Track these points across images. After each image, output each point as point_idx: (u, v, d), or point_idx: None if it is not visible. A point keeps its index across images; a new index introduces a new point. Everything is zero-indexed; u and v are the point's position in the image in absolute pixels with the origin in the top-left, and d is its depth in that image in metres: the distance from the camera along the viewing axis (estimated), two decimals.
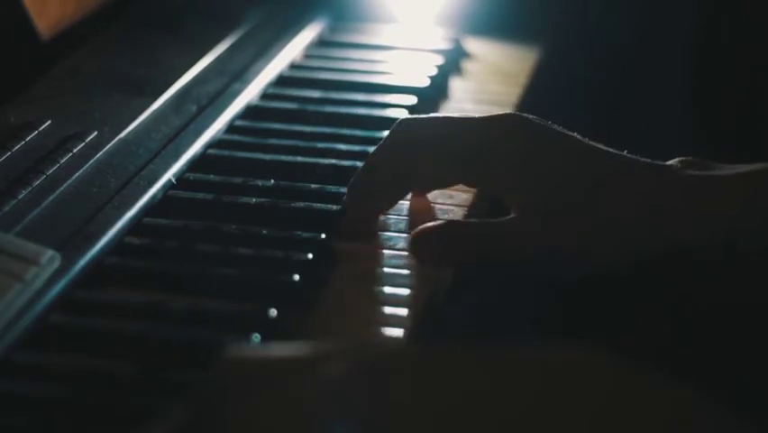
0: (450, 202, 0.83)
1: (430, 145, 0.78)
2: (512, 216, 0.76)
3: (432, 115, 0.83)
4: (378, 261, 0.76)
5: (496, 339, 0.53)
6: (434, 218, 0.81)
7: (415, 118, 0.81)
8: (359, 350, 0.53)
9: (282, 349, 0.53)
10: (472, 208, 0.84)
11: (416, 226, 0.78)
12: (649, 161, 0.76)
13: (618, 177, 0.75)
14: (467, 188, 0.84)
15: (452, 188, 0.84)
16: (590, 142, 0.77)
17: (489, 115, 0.78)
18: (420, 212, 0.81)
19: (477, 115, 0.79)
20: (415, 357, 0.52)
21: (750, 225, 0.74)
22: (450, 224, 0.78)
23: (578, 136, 0.77)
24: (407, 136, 0.79)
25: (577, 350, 0.51)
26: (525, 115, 0.78)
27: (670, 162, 0.77)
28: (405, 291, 0.73)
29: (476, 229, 0.77)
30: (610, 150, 0.77)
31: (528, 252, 0.75)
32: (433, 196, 0.84)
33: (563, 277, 0.79)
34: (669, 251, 0.75)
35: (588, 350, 0.51)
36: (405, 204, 0.82)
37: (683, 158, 0.77)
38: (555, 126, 0.77)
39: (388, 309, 0.71)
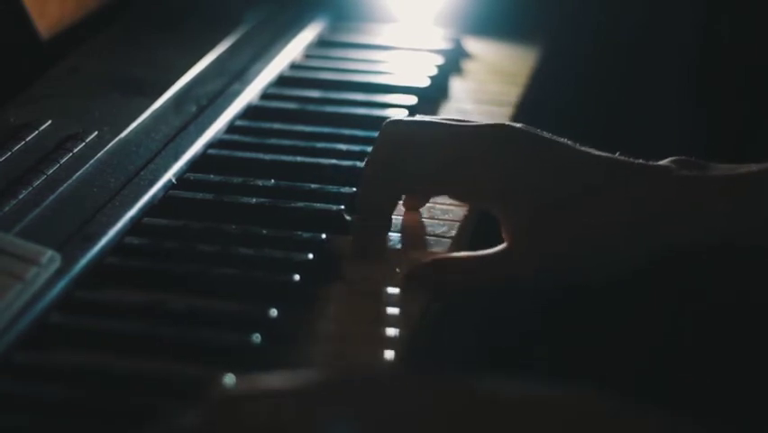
0: (450, 203, 0.83)
1: (417, 149, 0.77)
2: (504, 245, 0.75)
3: (419, 118, 0.82)
4: (376, 269, 0.77)
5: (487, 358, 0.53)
6: (425, 234, 0.80)
7: (401, 120, 0.80)
8: (345, 382, 0.53)
9: (269, 382, 0.53)
10: (471, 210, 0.83)
11: (409, 243, 0.78)
12: (642, 162, 0.75)
13: (611, 187, 0.74)
14: None
15: None
16: (581, 148, 0.76)
17: (478, 123, 0.78)
18: (412, 228, 0.81)
19: (467, 121, 0.78)
20: (401, 386, 0.53)
21: (747, 227, 0.73)
22: (441, 262, 0.76)
23: (568, 143, 0.76)
24: (395, 139, 0.78)
25: (550, 391, 0.51)
26: (514, 125, 0.77)
27: (663, 162, 0.75)
28: (399, 309, 0.73)
29: (469, 266, 0.75)
30: (601, 154, 0.75)
31: (524, 278, 0.75)
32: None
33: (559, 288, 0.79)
34: (665, 255, 0.74)
35: (561, 391, 0.51)
36: (397, 219, 0.81)
37: (677, 157, 0.75)
38: (544, 134, 0.76)
39: (382, 327, 0.71)
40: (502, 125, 0.77)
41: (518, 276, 0.75)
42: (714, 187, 0.73)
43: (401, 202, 0.82)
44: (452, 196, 0.80)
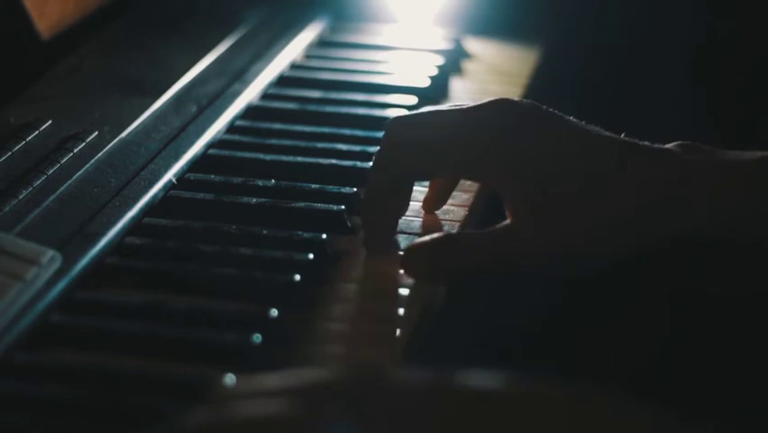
0: (450, 202, 0.83)
1: (423, 142, 0.77)
2: (506, 222, 0.74)
3: (421, 110, 0.81)
4: (376, 269, 0.77)
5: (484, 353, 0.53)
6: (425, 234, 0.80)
7: (403, 118, 0.80)
8: (345, 381, 0.53)
9: (270, 382, 0.53)
10: (473, 208, 0.84)
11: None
12: (647, 144, 0.75)
13: (617, 168, 0.73)
14: (467, 188, 0.84)
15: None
16: (587, 129, 0.75)
17: (481, 104, 0.77)
18: (431, 230, 0.81)
19: (467, 105, 0.78)
20: (400, 385, 0.53)
21: (754, 212, 0.73)
22: (440, 239, 0.76)
23: (575, 124, 0.75)
24: (399, 139, 0.78)
25: (548, 386, 0.51)
26: (520, 103, 0.76)
27: (669, 146, 0.75)
28: (399, 309, 0.73)
29: (468, 242, 0.75)
30: (606, 136, 0.75)
31: (524, 259, 0.74)
32: None
33: (562, 277, 0.78)
34: (670, 240, 0.73)
35: (558, 386, 0.51)
36: (417, 221, 0.81)
37: (682, 141, 0.75)
38: (552, 115, 0.76)
39: (382, 327, 0.71)
40: (507, 104, 0.76)
41: (520, 256, 0.74)
42: (719, 170, 0.73)
43: (420, 204, 0.82)
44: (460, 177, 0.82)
